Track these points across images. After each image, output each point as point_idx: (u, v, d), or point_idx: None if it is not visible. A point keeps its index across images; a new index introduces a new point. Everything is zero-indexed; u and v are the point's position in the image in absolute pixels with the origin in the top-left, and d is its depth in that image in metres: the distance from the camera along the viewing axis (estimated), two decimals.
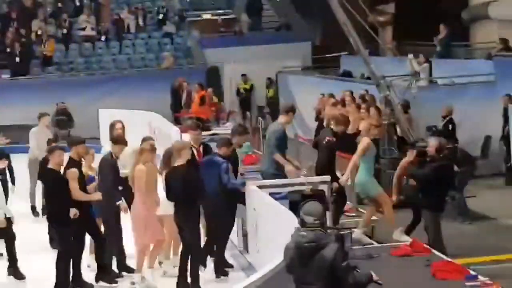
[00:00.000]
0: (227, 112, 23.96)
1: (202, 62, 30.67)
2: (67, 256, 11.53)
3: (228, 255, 12.83)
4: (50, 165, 11.65)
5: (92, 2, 32.65)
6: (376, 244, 12.77)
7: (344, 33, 17.52)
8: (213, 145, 13.19)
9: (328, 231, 7.59)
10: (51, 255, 12.23)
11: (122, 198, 12.12)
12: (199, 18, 33.67)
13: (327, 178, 12.37)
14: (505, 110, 17.60)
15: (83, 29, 31.15)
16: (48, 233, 13.81)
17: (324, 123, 18.06)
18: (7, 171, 14.71)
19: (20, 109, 25.40)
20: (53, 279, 11.59)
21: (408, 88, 18.74)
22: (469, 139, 18.22)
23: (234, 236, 13.29)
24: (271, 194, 12.01)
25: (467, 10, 29.76)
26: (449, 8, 28.35)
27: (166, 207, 11.71)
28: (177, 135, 17.93)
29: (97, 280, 12.01)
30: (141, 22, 32.44)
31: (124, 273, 12.34)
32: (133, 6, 33.14)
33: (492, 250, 12.99)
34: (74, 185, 11.44)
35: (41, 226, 14.11)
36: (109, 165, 12.13)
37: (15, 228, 12.71)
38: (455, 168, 13.74)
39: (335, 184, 12.73)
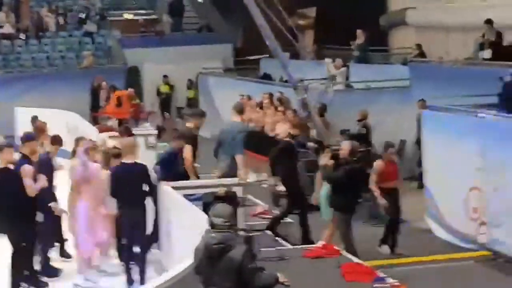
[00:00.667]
0: (146, 113, 23.90)
1: (122, 62, 30.49)
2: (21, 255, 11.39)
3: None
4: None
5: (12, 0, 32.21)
6: (289, 246, 12.92)
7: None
8: None
9: (237, 232, 7.69)
10: None
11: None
12: (120, 18, 33.53)
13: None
14: (419, 115, 17.95)
15: (1, 26, 30.68)
16: None
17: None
18: None
19: None
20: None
21: (325, 92, 18.95)
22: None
23: None
24: (185, 195, 12.07)
25: (385, 16, 30.29)
26: (368, 13, 28.76)
27: (112, 206, 11.76)
28: (94, 135, 17.80)
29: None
30: (61, 21, 32.11)
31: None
32: (54, 4, 32.79)
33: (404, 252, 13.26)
34: (29, 182, 11.23)
35: None
36: (46, 165, 11.98)
37: None
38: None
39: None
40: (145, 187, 11.44)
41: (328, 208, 12.81)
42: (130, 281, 11.57)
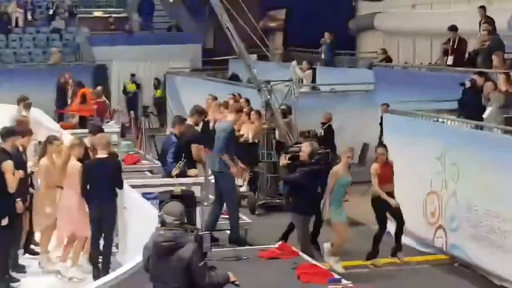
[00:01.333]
0: (112, 111, 23.83)
1: (90, 59, 30.41)
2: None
3: None
4: None
5: None
6: (246, 246, 12.96)
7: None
8: None
9: (188, 231, 7.68)
10: None
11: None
12: (89, 15, 33.43)
13: (201, 179, 12.55)
14: (382, 118, 18.05)
15: None
16: None
17: (211, 125, 18.33)
18: None
19: None
20: None
21: (290, 94, 19.00)
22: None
23: None
24: (143, 194, 12.10)
25: (354, 20, 30.47)
26: (337, 17, 28.94)
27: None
28: (58, 132, 17.73)
29: None
30: (29, 17, 31.95)
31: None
32: (22, 0, 32.63)
33: (361, 255, 13.31)
34: (10, 177, 11.17)
35: None
36: (19, 159, 11.91)
37: None
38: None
39: None
40: (117, 182, 11.59)
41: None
42: (96, 275, 11.52)
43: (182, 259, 7.38)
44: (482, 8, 18.87)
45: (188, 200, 10.63)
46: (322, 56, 25.23)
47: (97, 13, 33.64)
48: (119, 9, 33.98)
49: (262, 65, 23.80)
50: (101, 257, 11.72)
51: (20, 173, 11.36)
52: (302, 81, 21.82)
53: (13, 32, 31.18)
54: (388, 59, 22.45)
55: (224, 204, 13.99)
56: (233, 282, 7.77)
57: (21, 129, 12.77)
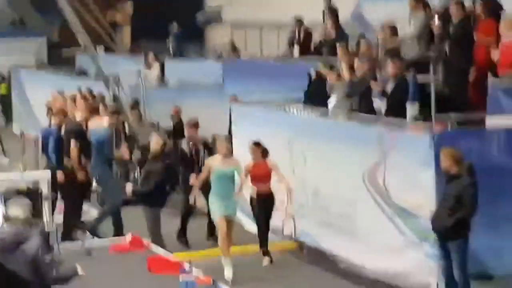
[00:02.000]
0: None
1: None
2: None
3: None
4: None
5: None
6: (96, 240, 12.82)
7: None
8: None
9: (33, 226, 7.59)
10: None
11: None
12: None
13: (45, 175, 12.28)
14: (230, 110, 18.19)
15: None
16: None
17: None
18: None
19: None
20: None
21: (138, 87, 18.88)
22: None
23: None
24: None
25: (202, 12, 30.55)
26: (185, 9, 28.90)
27: None
28: None
29: None
30: None
31: None
32: None
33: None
34: None
35: None
36: None
37: None
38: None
39: None
40: None
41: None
42: None
43: (26, 253, 7.32)
44: None
45: (33, 196, 10.42)
46: (170, 47, 25.15)
47: None
48: None
49: (110, 58, 23.54)
50: None
51: None
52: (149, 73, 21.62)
53: None
54: (235, 51, 22.62)
55: None
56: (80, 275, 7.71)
57: None
